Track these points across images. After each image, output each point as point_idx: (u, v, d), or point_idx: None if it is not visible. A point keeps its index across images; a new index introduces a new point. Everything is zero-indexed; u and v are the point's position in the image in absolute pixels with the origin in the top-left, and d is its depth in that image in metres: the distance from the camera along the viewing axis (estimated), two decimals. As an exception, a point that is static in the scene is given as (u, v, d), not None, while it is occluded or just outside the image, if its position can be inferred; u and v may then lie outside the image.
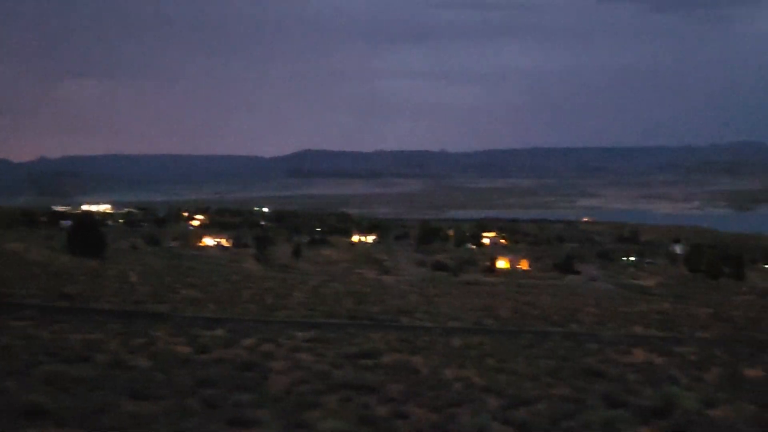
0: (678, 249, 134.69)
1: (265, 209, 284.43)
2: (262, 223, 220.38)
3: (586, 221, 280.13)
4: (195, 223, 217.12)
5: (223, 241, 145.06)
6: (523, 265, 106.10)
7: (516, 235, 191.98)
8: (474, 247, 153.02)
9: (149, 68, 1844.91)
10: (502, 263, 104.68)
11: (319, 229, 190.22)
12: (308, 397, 13.91)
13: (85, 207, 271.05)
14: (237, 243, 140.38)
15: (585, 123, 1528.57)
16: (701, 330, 39.85)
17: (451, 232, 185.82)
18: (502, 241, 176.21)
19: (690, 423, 12.61)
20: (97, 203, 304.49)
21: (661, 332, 37.44)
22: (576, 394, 15.65)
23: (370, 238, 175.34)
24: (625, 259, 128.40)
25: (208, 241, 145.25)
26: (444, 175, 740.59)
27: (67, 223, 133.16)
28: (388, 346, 22.44)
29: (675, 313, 49.01)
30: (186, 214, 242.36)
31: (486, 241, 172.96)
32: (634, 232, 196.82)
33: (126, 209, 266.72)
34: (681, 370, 22.10)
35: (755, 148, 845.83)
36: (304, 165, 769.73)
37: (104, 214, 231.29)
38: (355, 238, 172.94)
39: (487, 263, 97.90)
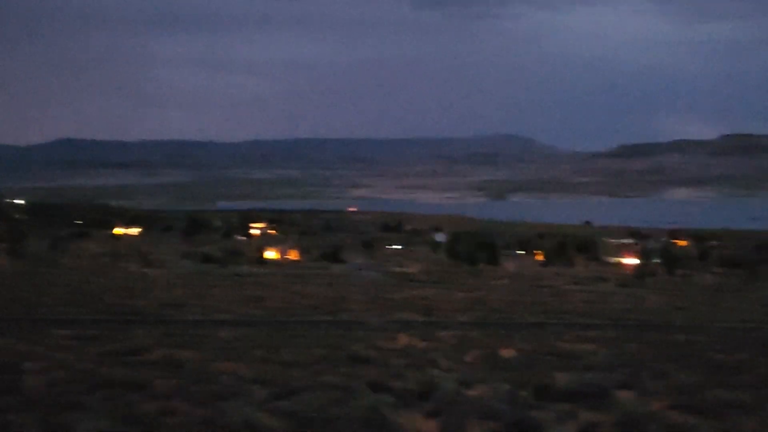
0: (439, 237, 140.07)
1: (21, 201, 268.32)
2: (17, 216, 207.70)
3: (352, 211, 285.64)
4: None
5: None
6: (293, 255, 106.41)
7: (285, 226, 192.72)
8: (243, 238, 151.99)
9: None
10: (271, 254, 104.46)
11: (79, 222, 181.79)
12: (68, 397, 13.32)
13: None
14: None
15: (353, 114, 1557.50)
16: (461, 314, 41.70)
17: (219, 223, 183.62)
18: (272, 231, 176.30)
19: (449, 403, 13.19)
20: None
21: (423, 317, 38.84)
22: (343, 381, 15.94)
23: (135, 231, 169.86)
24: (390, 247, 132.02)
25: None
26: (212, 166, 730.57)
27: None
28: (153, 342, 21.89)
29: (437, 299, 50.91)
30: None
31: (255, 231, 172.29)
32: (399, 221, 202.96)
33: None
34: (442, 353, 23.08)
35: (511, 140, 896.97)
36: (65, 154, 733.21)
37: None
38: (119, 231, 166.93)
39: (256, 254, 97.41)
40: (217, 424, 11.87)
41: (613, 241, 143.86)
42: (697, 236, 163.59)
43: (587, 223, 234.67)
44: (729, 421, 11.97)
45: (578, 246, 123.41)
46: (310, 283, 61.27)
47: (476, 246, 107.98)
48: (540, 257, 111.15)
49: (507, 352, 24.33)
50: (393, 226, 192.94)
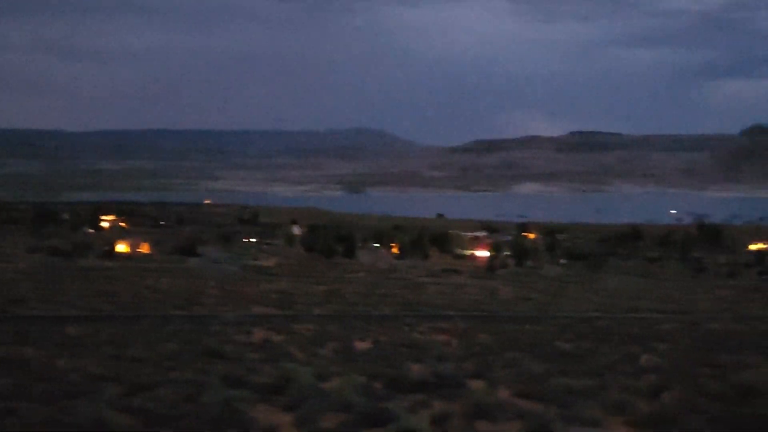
0: (296, 230, 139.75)
1: None
2: None
3: (208, 203, 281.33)
4: None
5: None
6: (144, 248, 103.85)
7: (136, 218, 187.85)
8: (92, 231, 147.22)
9: None
10: (122, 247, 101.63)
11: None
12: None
13: None
14: None
15: (208, 105, 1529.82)
16: (317, 307, 41.79)
17: (67, 216, 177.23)
18: (122, 224, 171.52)
19: (305, 397, 13.18)
20: None
21: (280, 311, 38.73)
22: (197, 376, 15.69)
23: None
24: (246, 240, 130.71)
25: None
26: (60, 156, 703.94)
27: None
28: (-5, 339, 20.94)
29: (293, 292, 50.90)
30: None
31: (105, 224, 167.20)
32: (255, 213, 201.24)
33: None
34: (298, 346, 23.07)
35: (368, 134, 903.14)
36: None
37: None
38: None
39: (106, 247, 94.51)
40: (64, 423, 11.45)
41: (466, 234, 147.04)
42: (546, 229, 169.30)
43: (441, 216, 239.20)
44: (572, 407, 12.44)
45: (433, 239, 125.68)
46: (163, 276, 60.03)
47: (333, 239, 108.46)
48: (396, 250, 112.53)
49: (363, 345, 24.57)
50: (249, 219, 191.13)
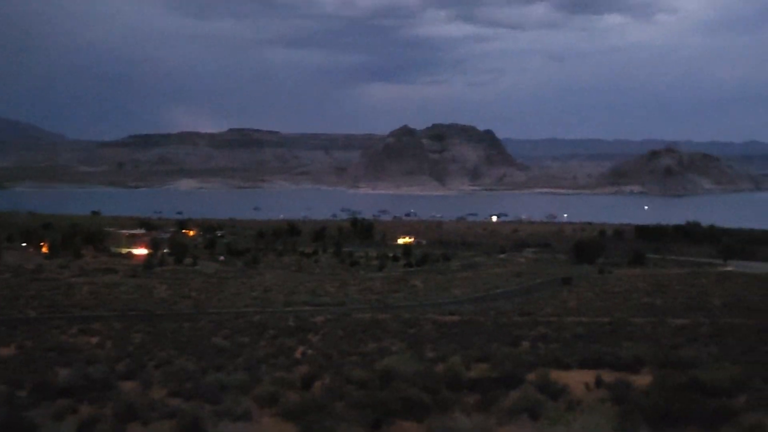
0: None
1: None
2: None
3: None
4: None
5: None
6: None
7: None
8: None
9: None
10: None
11: None
12: None
13: None
14: None
15: None
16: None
17: None
18: None
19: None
20: None
21: None
22: None
23: None
24: None
25: None
26: None
27: None
28: None
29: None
30: None
31: None
32: None
33: None
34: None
35: (12, 126, 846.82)
36: None
37: None
38: None
39: None
40: None
41: (123, 231, 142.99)
42: (205, 226, 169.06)
43: (95, 213, 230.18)
44: (225, 402, 12.55)
45: (86, 237, 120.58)
46: None
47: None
48: (45, 249, 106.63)
49: (5, 351, 23.07)
50: None
